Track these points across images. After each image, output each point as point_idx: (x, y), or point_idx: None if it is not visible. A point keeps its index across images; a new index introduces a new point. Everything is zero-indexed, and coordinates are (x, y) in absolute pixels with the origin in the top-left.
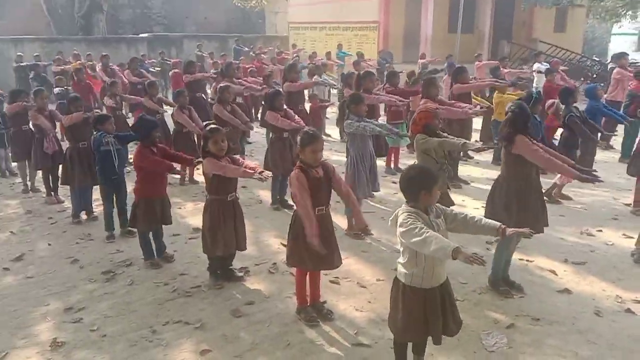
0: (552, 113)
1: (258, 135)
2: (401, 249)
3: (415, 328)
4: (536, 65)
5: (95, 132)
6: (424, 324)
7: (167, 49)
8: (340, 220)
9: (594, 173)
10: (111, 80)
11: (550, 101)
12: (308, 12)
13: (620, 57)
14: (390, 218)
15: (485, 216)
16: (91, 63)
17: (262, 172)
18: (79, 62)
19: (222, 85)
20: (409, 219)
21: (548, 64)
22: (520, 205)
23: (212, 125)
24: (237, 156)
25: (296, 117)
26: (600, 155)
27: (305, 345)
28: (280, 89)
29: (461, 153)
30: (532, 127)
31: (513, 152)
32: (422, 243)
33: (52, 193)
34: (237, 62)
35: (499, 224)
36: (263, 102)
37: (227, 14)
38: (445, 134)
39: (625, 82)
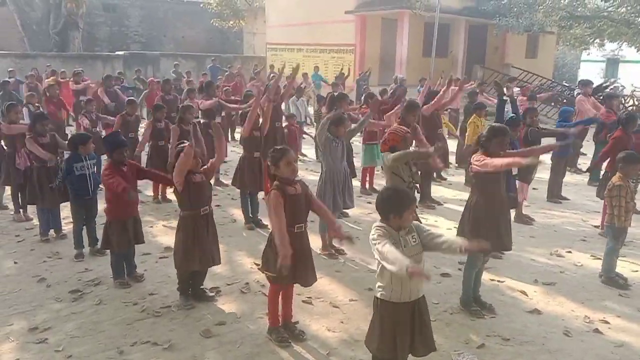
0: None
1: (234, 154)
2: (376, 263)
3: (384, 342)
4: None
5: (62, 154)
6: (393, 339)
7: (144, 67)
8: (314, 240)
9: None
10: (87, 98)
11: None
12: (286, 34)
13: (586, 84)
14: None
15: (457, 231)
16: (65, 80)
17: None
18: (52, 77)
19: (183, 105)
20: (376, 233)
21: (519, 89)
22: (482, 222)
23: (182, 145)
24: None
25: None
26: (569, 177)
27: None
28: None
29: (434, 174)
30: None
31: (474, 171)
32: (381, 256)
33: (21, 210)
34: (217, 82)
35: (460, 245)
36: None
37: (206, 33)
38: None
39: (587, 108)
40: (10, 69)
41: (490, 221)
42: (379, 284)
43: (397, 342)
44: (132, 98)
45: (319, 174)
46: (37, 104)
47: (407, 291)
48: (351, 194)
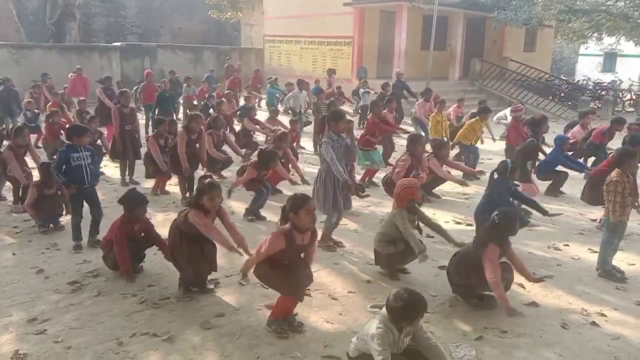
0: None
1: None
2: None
3: None
4: (501, 113)
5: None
6: None
7: (141, 58)
8: None
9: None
10: (90, 116)
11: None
12: (284, 26)
13: (584, 115)
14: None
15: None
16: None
17: (242, 248)
18: (54, 102)
19: (191, 114)
20: (377, 339)
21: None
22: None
23: (210, 180)
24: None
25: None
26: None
27: (276, 358)
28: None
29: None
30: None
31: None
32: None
33: (19, 202)
34: (214, 87)
35: None
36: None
37: (203, 24)
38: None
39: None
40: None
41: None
42: (355, 346)
43: None
44: (124, 89)
45: (317, 173)
46: (35, 110)
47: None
48: (349, 196)
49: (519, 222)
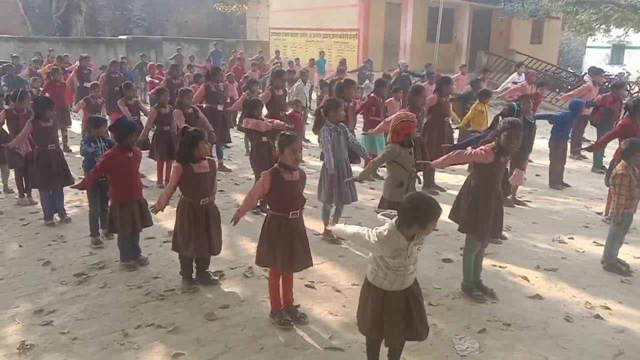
0: None
1: (237, 139)
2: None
3: (370, 323)
4: (513, 76)
5: (84, 139)
6: (378, 323)
7: (147, 51)
8: (317, 224)
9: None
10: (92, 82)
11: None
12: (289, 18)
13: (597, 73)
14: (379, 214)
15: (450, 213)
16: (67, 65)
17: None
18: (54, 63)
19: (182, 89)
20: (382, 231)
21: (524, 75)
22: (481, 207)
23: (197, 128)
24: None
25: (275, 121)
26: (573, 164)
27: (279, 349)
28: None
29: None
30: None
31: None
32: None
33: (25, 194)
34: (220, 66)
35: None
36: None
37: (208, 17)
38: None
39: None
40: (14, 55)
41: (486, 208)
42: (371, 267)
43: (384, 327)
44: (128, 82)
45: (322, 164)
46: (41, 88)
47: (399, 283)
48: (353, 185)
49: None
